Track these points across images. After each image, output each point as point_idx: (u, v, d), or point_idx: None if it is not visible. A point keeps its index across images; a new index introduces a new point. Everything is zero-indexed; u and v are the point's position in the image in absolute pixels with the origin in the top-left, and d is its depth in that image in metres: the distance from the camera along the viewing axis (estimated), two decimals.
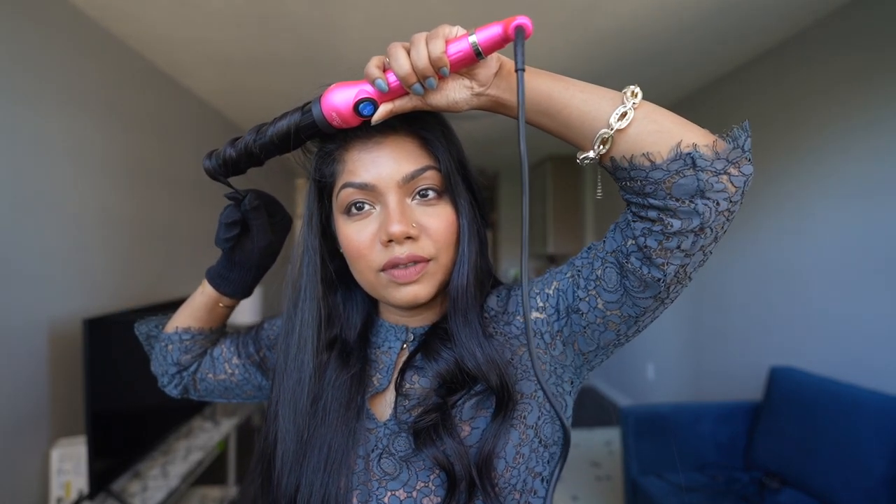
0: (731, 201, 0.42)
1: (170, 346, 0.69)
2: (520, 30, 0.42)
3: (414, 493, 0.50)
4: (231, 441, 2.45)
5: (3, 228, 1.46)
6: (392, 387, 0.57)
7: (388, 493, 0.50)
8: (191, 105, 2.67)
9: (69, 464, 1.57)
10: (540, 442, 0.52)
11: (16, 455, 1.49)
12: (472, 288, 0.54)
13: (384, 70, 0.47)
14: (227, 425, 2.39)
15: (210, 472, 2.38)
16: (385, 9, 1.86)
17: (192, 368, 0.70)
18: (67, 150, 1.73)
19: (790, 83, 2.22)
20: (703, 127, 0.43)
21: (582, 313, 0.51)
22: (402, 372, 0.56)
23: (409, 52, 0.44)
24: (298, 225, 0.61)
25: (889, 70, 1.75)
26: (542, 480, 0.53)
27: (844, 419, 1.71)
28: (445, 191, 0.54)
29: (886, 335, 1.78)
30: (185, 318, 0.69)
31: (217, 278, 0.66)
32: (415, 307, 0.56)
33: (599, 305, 0.49)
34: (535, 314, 0.55)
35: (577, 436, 2.94)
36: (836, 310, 1.98)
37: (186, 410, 2.18)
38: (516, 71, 0.42)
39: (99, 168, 1.89)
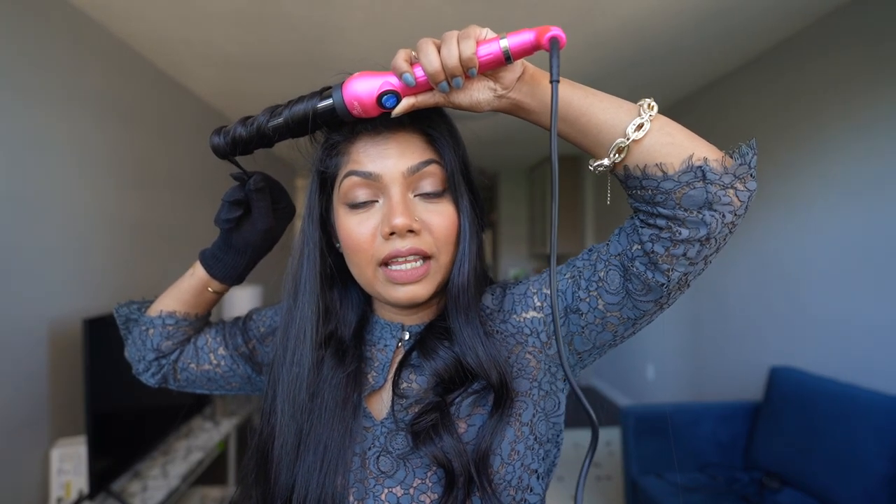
0: (735, 214, 0.44)
1: (150, 331, 0.66)
2: (555, 41, 0.43)
3: (411, 491, 0.50)
4: (231, 441, 2.45)
5: (3, 228, 1.46)
6: (388, 385, 0.57)
7: (386, 491, 0.51)
8: (191, 105, 2.66)
9: (69, 464, 1.57)
10: (535, 439, 0.53)
11: (16, 455, 1.49)
12: (472, 287, 0.55)
13: (411, 64, 0.47)
14: (227, 425, 2.39)
15: (210, 472, 2.38)
16: (385, 9, 1.86)
17: (172, 356, 0.68)
18: (68, 150, 1.73)
19: (789, 83, 2.22)
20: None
21: (581, 313, 0.51)
22: (399, 370, 0.56)
23: (439, 50, 0.45)
24: (299, 223, 0.61)
25: (889, 69, 1.75)
26: (538, 477, 0.53)
27: (844, 419, 1.71)
28: (448, 189, 0.55)
29: (886, 335, 1.78)
30: (171, 302, 0.67)
31: (210, 259, 0.65)
32: (412, 306, 0.56)
33: (600, 306, 0.50)
34: (532, 313, 0.55)
35: (577, 435, 2.94)
36: (836, 310, 1.98)
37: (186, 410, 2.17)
38: (551, 82, 0.44)
39: (99, 168, 1.89)
